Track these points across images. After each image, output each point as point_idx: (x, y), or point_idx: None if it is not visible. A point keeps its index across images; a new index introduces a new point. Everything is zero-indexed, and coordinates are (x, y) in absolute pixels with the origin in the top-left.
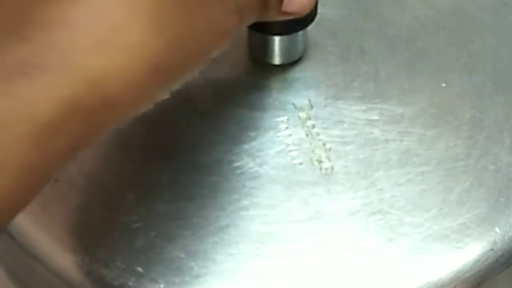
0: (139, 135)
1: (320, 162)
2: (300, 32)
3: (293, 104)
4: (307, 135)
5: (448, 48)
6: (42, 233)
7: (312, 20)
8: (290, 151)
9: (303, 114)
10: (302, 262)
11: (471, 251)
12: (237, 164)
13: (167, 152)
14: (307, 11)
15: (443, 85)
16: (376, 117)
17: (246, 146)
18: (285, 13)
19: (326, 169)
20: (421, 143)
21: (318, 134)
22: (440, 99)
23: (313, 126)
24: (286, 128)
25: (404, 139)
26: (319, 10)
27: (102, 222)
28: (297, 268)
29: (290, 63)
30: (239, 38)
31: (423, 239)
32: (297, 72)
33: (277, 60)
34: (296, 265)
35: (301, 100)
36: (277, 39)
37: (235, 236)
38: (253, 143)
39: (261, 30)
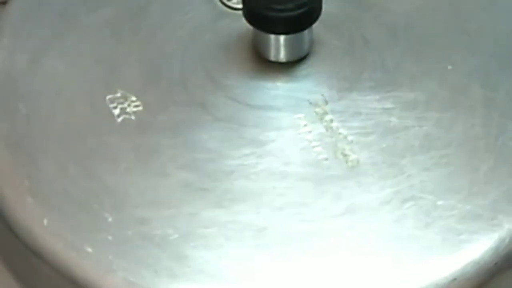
0: (159, 147)
1: (345, 155)
2: (306, 31)
3: (308, 101)
4: (326, 130)
5: (447, 30)
6: (45, 231)
7: (317, 18)
8: (313, 147)
9: (319, 110)
10: (345, 256)
11: (506, 227)
12: (263, 166)
13: (190, 161)
14: None
15: (450, 67)
16: (391, 105)
17: (268, 147)
18: None
19: (352, 161)
20: (440, 127)
21: (337, 127)
22: (450, 81)
23: (331, 121)
24: (305, 125)
25: (423, 124)
26: None
27: (110, 221)
28: (342, 262)
29: (296, 61)
30: (243, 38)
31: (459, 220)
32: (304, 69)
33: (283, 58)
34: (340, 259)
35: (314, 96)
36: (282, 38)
37: (275, 237)
38: (275, 144)
39: (267, 29)
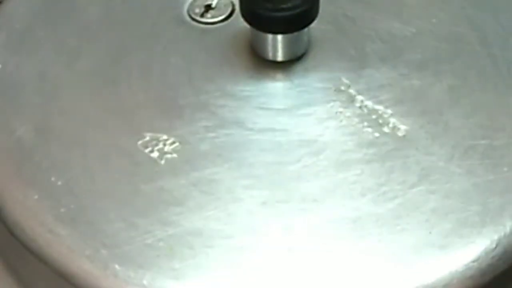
0: (217, 175)
1: (393, 127)
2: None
3: (331, 89)
4: (363, 109)
5: None
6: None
7: (316, 16)
8: (361, 129)
9: (346, 94)
10: (443, 216)
11: None
12: (324, 162)
13: (254, 179)
14: None
15: (434, 20)
16: (405, 70)
17: (320, 142)
18: None
19: (401, 131)
20: (457, 77)
21: (372, 104)
22: (442, 33)
23: (363, 100)
24: (341, 112)
25: (442, 79)
26: None
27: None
28: (443, 223)
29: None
30: (236, 46)
31: None
32: (309, 62)
33: (280, 57)
34: (439, 221)
35: (335, 83)
36: (279, 37)
37: (372, 224)
38: (325, 137)
39: (264, 29)
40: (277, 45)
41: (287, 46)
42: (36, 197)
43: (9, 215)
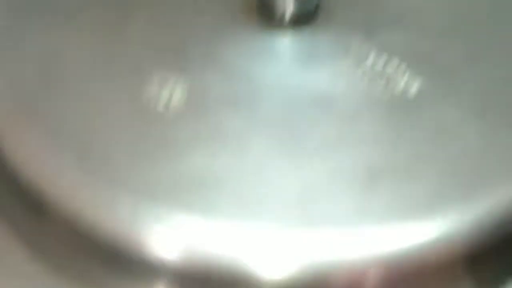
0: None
1: (405, 86)
2: None
3: (342, 47)
4: (373, 68)
5: None
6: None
7: None
8: (372, 88)
9: (358, 52)
10: (459, 171)
11: None
12: (335, 119)
13: (266, 130)
14: None
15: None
16: (419, 34)
17: (330, 101)
18: None
19: (414, 88)
20: (473, 38)
21: (384, 63)
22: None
23: (374, 59)
24: (352, 70)
25: (455, 42)
26: None
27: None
28: (459, 176)
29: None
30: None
31: None
32: (321, 19)
33: (290, 14)
34: (456, 174)
35: (346, 41)
36: None
37: (385, 176)
38: (335, 96)
39: None
40: (288, 1)
41: (298, 2)
42: (39, 143)
43: (10, 161)
